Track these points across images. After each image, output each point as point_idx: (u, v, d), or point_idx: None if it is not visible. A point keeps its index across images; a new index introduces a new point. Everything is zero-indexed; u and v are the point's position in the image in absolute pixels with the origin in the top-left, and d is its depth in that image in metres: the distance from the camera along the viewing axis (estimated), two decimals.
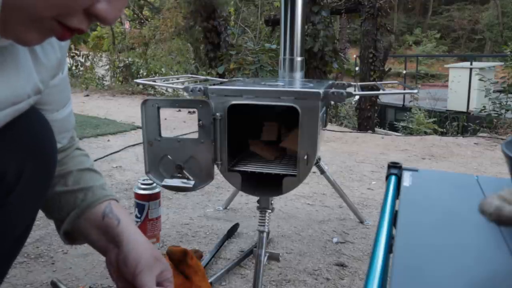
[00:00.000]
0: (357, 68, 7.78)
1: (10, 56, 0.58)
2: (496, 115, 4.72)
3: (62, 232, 0.79)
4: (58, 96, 0.74)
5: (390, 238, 0.45)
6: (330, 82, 1.39)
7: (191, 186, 1.04)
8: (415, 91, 1.30)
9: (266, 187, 1.10)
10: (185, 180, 1.04)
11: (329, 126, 3.62)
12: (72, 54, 7.05)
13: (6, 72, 0.57)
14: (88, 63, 7.48)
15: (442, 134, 5.20)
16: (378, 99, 6.58)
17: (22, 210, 0.68)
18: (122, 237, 0.73)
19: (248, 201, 1.74)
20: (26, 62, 0.61)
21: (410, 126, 6.17)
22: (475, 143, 3.07)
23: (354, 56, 9.98)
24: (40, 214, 0.78)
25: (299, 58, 1.39)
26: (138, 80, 1.44)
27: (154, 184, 1.27)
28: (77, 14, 0.48)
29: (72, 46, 6.66)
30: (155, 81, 1.97)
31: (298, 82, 1.34)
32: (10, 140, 0.63)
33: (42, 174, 0.70)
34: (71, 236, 0.80)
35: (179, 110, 4.07)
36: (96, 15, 0.48)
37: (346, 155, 2.62)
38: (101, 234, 0.75)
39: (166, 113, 3.81)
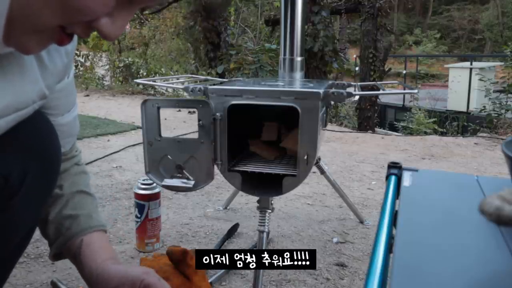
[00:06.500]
0: (357, 68, 7.78)
1: (15, 62, 0.58)
2: (496, 115, 4.72)
3: (52, 254, 0.81)
4: (63, 100, 0.74)
5: (390, 238, 0.45)
6: (330, 82, 1.39)
7: (191, 186, 1.04)
8: (415, 91, 1.30)
9: (266, 187, 1.10)
10: (185, 180, 1.04)
11: (329, 126, 3.62)
12: None
13: (11, 78, 0.57)
14: (88, 63, 7.47)
15: (442, 134, 5.20)
16: (378, 99, 6.58)
17: (25, 213, 0.68)
18: (87, 281, 0.75)
19: (248, 201, 1.74)
20: (31, 67, 0.60)
21: (410, 126, 6.17)
22: (475, 143, 3.07)
23: (354, 56, 9.97)
24: None
25: (299, 58, 1.39)
26: (138, 80, 1.44)
27: (154, 184, 1.27)
28: (81, 24, 0.48)
29: None
30: (155, 81, 1.97)
31: (298, 82, 1.34)
32: (14, 143, 0.63)
33: (46, 177, 0.70)
34: (61, 256, 0.82)
35: (179, 110, 4.07)
36: (99, 30, 0.48)
37: (346, 155, 2.62)
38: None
39: (166, 113, 3.81)
